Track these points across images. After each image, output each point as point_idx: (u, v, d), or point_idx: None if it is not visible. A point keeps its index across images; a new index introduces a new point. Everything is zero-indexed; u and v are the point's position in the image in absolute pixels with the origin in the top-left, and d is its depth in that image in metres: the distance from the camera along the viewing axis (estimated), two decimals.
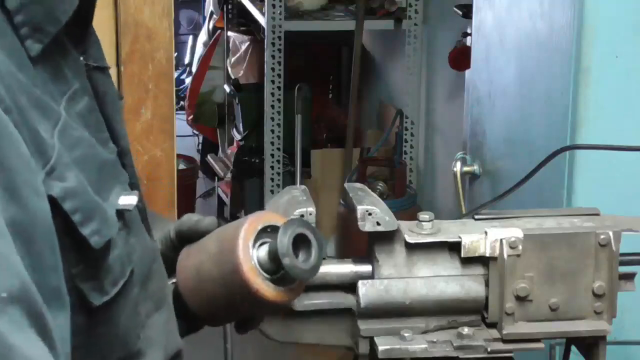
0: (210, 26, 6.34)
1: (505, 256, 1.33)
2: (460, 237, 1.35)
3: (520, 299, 1.34)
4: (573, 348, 1.42)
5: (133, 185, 1.11)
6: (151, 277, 1.09)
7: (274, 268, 1.19)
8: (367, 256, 1.37)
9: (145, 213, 1.15)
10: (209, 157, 6.02)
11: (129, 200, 1.01)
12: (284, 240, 1.17)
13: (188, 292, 1.28)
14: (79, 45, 1.06)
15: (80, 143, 0.96)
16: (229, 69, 5.83)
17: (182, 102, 6.48)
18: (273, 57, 4.76)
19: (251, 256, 1.20)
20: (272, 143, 4.86)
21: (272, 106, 4.83)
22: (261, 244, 1.21)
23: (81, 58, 1.06)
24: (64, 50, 1.01)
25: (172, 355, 1.13)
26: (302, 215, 1.33)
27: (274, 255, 1.18)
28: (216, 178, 5.89)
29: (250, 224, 1.21)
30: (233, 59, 5.79)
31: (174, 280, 1.30)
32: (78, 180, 0.93)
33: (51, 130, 0.92)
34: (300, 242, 1.20)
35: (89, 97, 1.03)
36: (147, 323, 1.08)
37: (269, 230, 1.21)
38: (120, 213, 1.00)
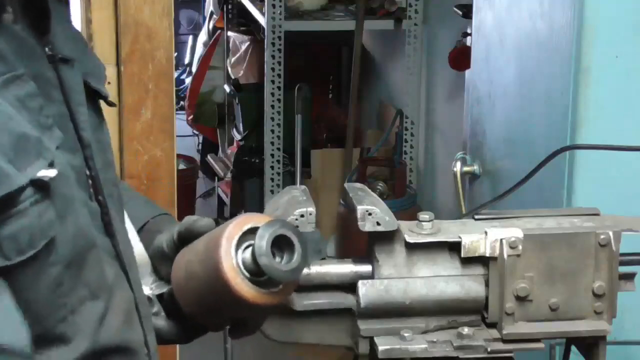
0: (210, 26, 6.34)
1: (505, 256, 1.33)
2: (460, 237, 1.35)
3: (520, 299, 1.34)
4: (573, 348, 1.42)
5: (94, 178, 1.14)
6: (85, 265, 1.10)
7: (258, 270, 1.18)
8: (367, 256, 1.37)
9: (107, 208, 1.17)
10: (209, 157, 6.02)
11: (48, 173, 1.04)
12: (262, 240, 1.17)
13: (178, 291, 1.29)
14: (43, 36, 1.12)
15: None
16: (229, 69, 5.83)
17: (182, 102, 6.48)
18: (273, 57, 4.76)
19: (233, 256, 1.19)
20: (272, 143, 4.86)
21: (272, 106, 4.83)
22: (249, 246, 1.20)
23: (46, 49, 1.12)
24: (9, 36, 1.06)
25: (109, 348, 1.13)
26: (302, 215, 1.33)
27: (255, 257, 1.17)
28: (216, 178, 5.89)
29: (236, 224, 1.21)
30: (233, 59, 5.79)
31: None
32: None
33: None
34: (284, 244, 1.19)
35: (37, 84, 1.07)
36: (79, 309, 1.09)
37: None
38: (40, 187, 1.03)
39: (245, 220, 1.21)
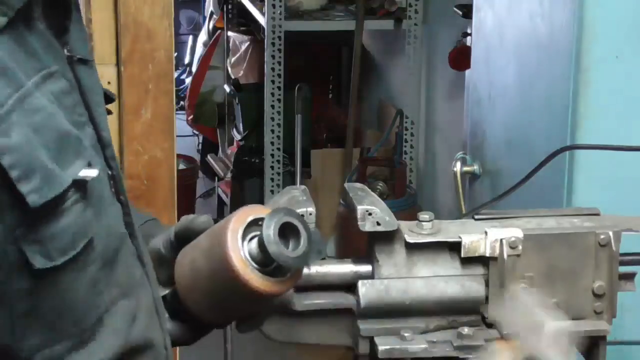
0: (210, 26, 6.34)
1: (505, 256, 1.33)
2: (460, 237, 1.35)
3: None
4: None
5: (115, 178, 1.13)
6: (117, 263, 1.10)
7: (265, 260, 1.19)
8: (367, 256, 1.37)
9: (128, 208, 1.16)
10: (209, 157, 6.02)
11: (89, 173, 1.03)
12: (269, 229, 1.17)
13: (184, 290, 1.28)
14: (62, 37, 1.11)
15: (41, 111, 0.99)
16: (229, 69, 5.83)
17: (182, 102, 6.48)
18: (273, 57, 4.76)
19: (240, 247, 1.19)
20: (272, 143, 4.86)
21: (272, 106, 4.83)
22: (253, 237, 1.20)
23: (65, 50, 1.10)
24: (38, 34, 1.05)
25: (138, 346, 1.13)
26: (302, 215, 1.32)
27: (263, 246, 1.18)
28: (216, 178, 5.89)
29: (239, 216, 1.21)
30: (233, 59, 5.79)
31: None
32: (26, 139, 0.96)
33: (10, 93, 0.97)
34: (289, 232, 1.19)
35: (67, 81, 1.07)
36: (112, 309, 1.09)
37: (261, 224, 1.19)
38: (79, 186, 1.02)
39: (247, 213, 1.22)
